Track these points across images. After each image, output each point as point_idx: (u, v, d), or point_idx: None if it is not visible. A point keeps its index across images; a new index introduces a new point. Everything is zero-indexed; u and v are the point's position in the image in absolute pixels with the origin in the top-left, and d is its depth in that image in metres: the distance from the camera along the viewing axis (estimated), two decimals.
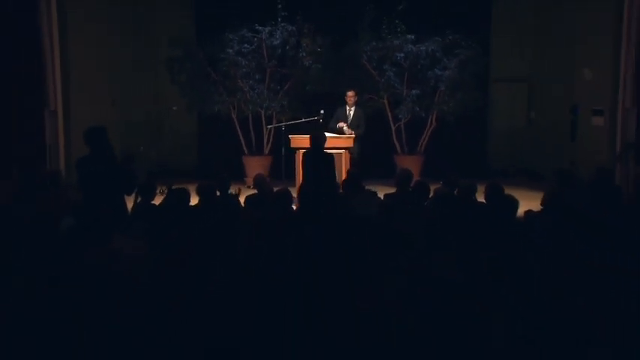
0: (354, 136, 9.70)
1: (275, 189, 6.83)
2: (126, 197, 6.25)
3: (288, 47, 11.59)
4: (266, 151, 12.12)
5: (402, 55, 11.57)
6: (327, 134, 9.44)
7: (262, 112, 11.84)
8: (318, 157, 8.00)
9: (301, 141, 9.14)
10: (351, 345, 3.12)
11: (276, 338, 3.13)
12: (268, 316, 3.25)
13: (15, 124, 9.49)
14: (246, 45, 11.57)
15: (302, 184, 8.01)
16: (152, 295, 3.29)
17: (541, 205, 6.82)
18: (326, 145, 8.66)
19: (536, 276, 3.57)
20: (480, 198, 6.63)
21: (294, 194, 6.91)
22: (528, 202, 6.90)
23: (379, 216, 5.49)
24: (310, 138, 8.17)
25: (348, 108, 10.35)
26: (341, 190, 7.31)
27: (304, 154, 8.40)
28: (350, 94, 10.38)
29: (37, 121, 9.84)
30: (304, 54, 11.51)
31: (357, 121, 10.16)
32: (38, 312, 3.03)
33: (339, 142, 9.45)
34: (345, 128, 10.00)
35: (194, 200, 6.46)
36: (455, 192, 6.75)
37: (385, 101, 11.93)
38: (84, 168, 6.02)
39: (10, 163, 8.06)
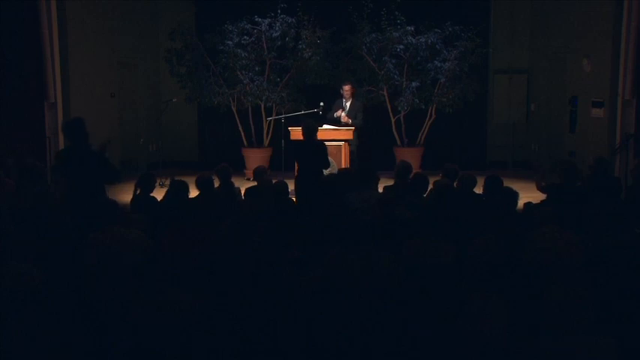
0: (353, 128, 9.64)
1: (273, 181, 6.84)
2: (124, 189, 6.26)
3: (287, 39, 11.58)
4: (266, 143, 12.14)
5: (402, 46, 11.55)
6: (326, 126, 9.43)
7: (262, 104, 11.84)
8: (309, 146, 7.85)
9: (301, 133, 9.11)
10: (349, 338, 3.14)
11: (274, 334, 3.15)
12: (267, 311, 3.27)
13: (14, 116, 9.50)
14: (245, 37, 11.56)
15: (297, 176, 7.93)
16: (152, 293, 3.29)
17: (537, 189, 6.81)
18: (326, 137, 8.62)
19: (535, 269, 3.58)
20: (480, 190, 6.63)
21: (292, 186, 6.89)
22: (527, 194, 6.91)
23: (377, 208, 5.49)
24: (302, 127, 8.00)
25: (344, 100, 10.22)
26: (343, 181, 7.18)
27: (294, 143, 8.32)
28: (346, 87, 10.16)
29: (37, 113, 9.85)
30: (304, 46, 11.49)
31: (354, 112, 10.01)
32: (38, 311, 3.04)
33: (338, 134, 9.41)
34: (342, 115, 9.93)
35: (194, 193, 6.47)
36: (454, 184, 6.75)
37: (385, 93, 11.91)
38: (64, 160, 5.99)
39: (9, 155, 8.05)
